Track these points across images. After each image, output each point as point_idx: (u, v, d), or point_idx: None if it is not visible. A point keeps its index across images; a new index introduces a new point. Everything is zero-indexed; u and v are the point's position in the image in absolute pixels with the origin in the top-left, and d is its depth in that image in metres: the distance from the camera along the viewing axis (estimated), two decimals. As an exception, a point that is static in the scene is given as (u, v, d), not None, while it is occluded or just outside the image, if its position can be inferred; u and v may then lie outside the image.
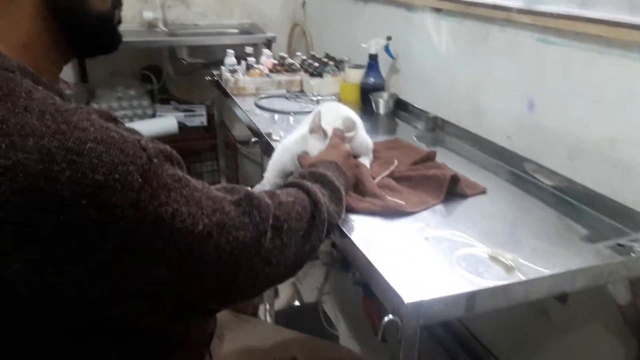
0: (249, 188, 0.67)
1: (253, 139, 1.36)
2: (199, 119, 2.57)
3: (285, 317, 1.68)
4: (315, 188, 0.78)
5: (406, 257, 0.81)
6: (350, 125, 1.13)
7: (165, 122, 2.39)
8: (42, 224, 0.47)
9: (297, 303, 2.09)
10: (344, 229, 0.86)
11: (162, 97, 2.67)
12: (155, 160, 0.53)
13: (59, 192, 0.47)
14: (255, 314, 1.16)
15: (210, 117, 2.60)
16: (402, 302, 0.65)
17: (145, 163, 0.52)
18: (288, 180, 0.81)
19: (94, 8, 0.65)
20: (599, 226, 0.94)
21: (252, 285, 0.65)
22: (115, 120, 0.57)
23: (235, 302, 0.73)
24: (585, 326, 1.11)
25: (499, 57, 1.29)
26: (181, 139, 2.47)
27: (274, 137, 1.29)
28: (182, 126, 2.49)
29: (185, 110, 2.57)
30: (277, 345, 0.93)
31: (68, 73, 2.49)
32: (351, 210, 0.94)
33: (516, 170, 1.19)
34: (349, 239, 0.84)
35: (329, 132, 1.00)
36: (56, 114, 0.50)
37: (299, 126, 1.13)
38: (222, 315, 0.94)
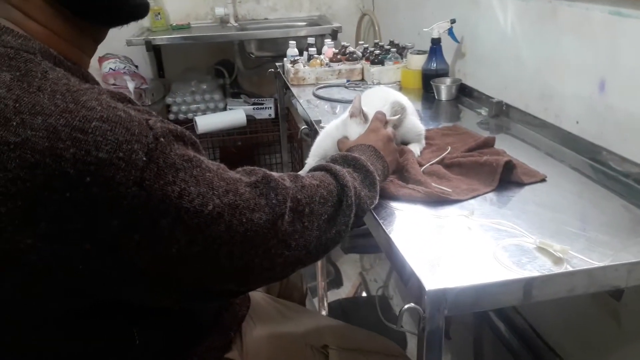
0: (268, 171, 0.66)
1: (302, 127, 1.35)
2: (267, 111, 2.61)
3: (341, 308, 1.66)
4: (345, 172, 0.75)
5: (440, 245, 0.76)
6: (399, 110, 1.09)
7: (234, 115, 2.46)
8: (49, 200, 0.49)
9: (364, 294, 2.07)
10: (374, 214, 0.82)
11: (233, 91, 2.75)
12: (162, 139, 0.54)
13: (64, 169, 0.48)
14: (302, 302, 1.15)
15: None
16: (424, 289, 0.61)
17: (151, 142, 0.52)
18: (319, 164, 0.79)
19: None
20: (676, 218, 0.83)
21: (270, 269, 0.64)
22: (129, 101, 0.58)
23: (256, 284, 0.72)
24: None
25: (567, 35, 1.18)
26: (250, 131, 2.53)
27: (322, 124, 1.27)
28: (251, 119, 2.55)
29: (254, 104, 2.62)
30: (310, 331, 0.91)
31: (146, 69, 2.63)
32: (391, 196, 0.90)
33: (584, 157, 1.09)
34: (377, 222, 0.80)
35: (371, 116, 0.96)
36: (67, 94, 0.52)
37: (345, 112, 1.11)
38: (261, 299, 0.94)
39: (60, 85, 0.52)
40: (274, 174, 0.66)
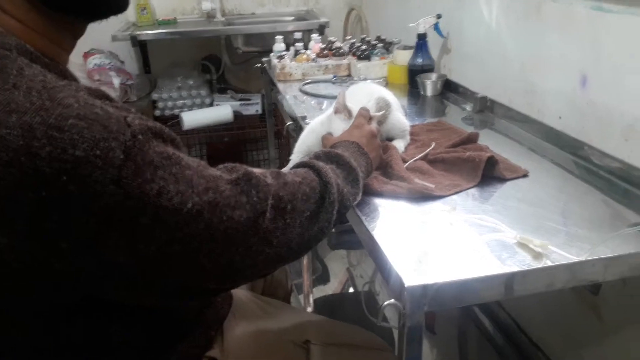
0: (250, 167, 0.66)
1: (288, 123, 1.35)
2: (254, 107, 2.60)
3: (327, 305, 1.67)
4: (328, 169, 0.75)
5: (422, 241, 0.77)
6: (383, 106, 1.09)
7: (221, 111, 2.44)
8: (24, 199, 0.48)
9: (351, 290, 2.07)
10: (357, 210, 0.82)
11: (220, 86, 2.73)
12: (141, 136, 0.53)
13: (39, 168, 0.48)
14: (287, 299, 1.15)
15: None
16: (403, 285, 0.61)
17: (128, 139, 0.52)
18: (302, 161, 0.79)
19: None
20: (654, 213, 0.84)
21: (252, 266, 0.64)
22: (107, 97, 0.57)
23: (237, 282, 0.72)
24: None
25: (551, 31, 1.18)
26: (237, 127, 2.52)
27: (308, 120, 1.26)
28: (238, 115, 2.54)
29: (241, 99, 2.61)
30: (292, 327, 0.91)
31: (132, 64, 2.61)
32: (374, 192, 0.90)
33: (566, 152, 1.10)
34: (360, 218, 0.80)
35: (355, 112, 0.96)
36: (43, 91, 0.51)
37: (330, 108, 1.11)
38: (244, 296, 0.94)
39: (36, 82, 0.52)
40: (256, 170, 0.66)
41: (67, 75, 0.61)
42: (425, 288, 0.62)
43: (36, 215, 0.49)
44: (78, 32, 0.66)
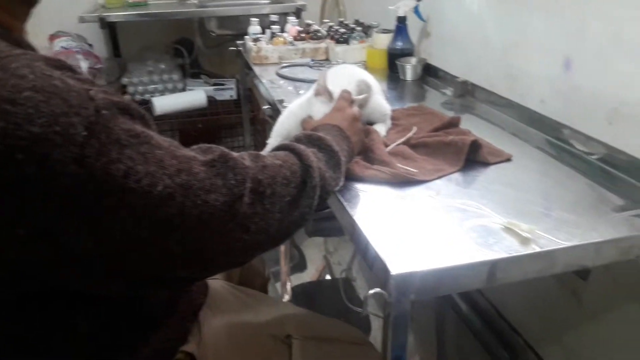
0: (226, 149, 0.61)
1: (264, 107, 1.30)
2: (228, 92, 2.53)
3: (305, 293, 1.64)
4: (309, 152, 0.71)
5: (406, 227, 0.74)
6: (364, 89, 1.05)
7: (194, 96, 2.37)
8: None
9: (328, 277, 2.05)
10: (339, 195, 0.79)
11: (193, 71, 2.65)
12: (105, 112, 0.48)
13: None
14: (264, 287, 1.12)
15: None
16: (389, 273, 0.58)
17: (91, 115, 0.47)
18: (282, 143, 0.75)
19: None
20: (639, 196, 0.83)
21: (227, 254, 0.60)
22: (69, 68, 0.52)
23: (212, 271, 0.68)
24: (622, 306, 1.00)
25: (534, 13, 1.16)
26: (211, 112, 2.45)
27: (285, 103, 1.22)
28: (211, 100, 2.47)
29: (215, 84, 2.54)
30: (272, 320, 0.88)
31: (100, 48, 2.51)
32: (356, 177, 0.87)
33: (549, 137, 1.08)
34: (342, 204, 0.77)
35: (336, 94, 0.93)
36: None
37: (309, 91, 1.07)
38: (220, 287, 0.90)
39: None
40: (233, 152, 0.62)
41: (22, 44, 0.56)
42: (411, 276, 0.59)
43: None
44: (32, 1, 0.61)
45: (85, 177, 0.46)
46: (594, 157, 0.97)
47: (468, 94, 1.37)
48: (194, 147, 0.62)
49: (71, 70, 0.52)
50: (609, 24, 0.96)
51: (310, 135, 0.77)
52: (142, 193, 0.50)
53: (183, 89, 2.50)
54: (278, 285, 1.60)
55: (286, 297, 1.56)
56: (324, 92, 0.93)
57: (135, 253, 0.52)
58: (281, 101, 1.25)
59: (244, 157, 0.63)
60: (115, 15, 2.27)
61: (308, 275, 2.00)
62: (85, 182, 0.46)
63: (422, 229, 0.73)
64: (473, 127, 1.10)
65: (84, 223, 0.48)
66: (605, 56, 0.98)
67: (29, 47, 0.57)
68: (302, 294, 1.61)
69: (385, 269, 0.59)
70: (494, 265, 0.63)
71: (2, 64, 0.46)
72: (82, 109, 0.47)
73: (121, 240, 0.50)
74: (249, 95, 2.28)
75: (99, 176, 0.47)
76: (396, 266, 0.59)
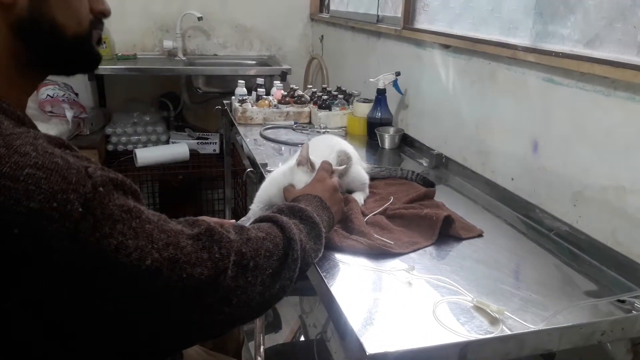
0: (211, 222, 0.64)
1: (248, 169, 1.34)
2: (212, 146, 2.58)
3: (279, 355, 1.62)
4: (292, 224, 0.74)
5: (383, 303, 0.76)
6: (344, 159, 1.10)
7: (176, 149, 2.40)
8: None
9: (302, 338, 2.02)
10: (318, 268, 0.81)
11: (177, 124, 2.70)
12: (102, 189, 0.51)
13: None
14: (238, 352, 1.11)
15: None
16: (365, 353, 0.60)
17: (89, 192, 0.50)
18: (265, 214, 0.78)
19: (70, 31, 0.62)
20: (601, 279, 0.88)
21: (209, 326, 0.61)
22: (68, 147, 0.55)
23: (192, 343, 0.68)
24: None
25: (505, 97, 1.25)
26: (193, 165, 2.48)
27: (269, 168, 1.26)
28: (194, 153, 2.50)
29: (199, 138, 2.58)
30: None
31: (86, 97, 2.54)
32: (335, 247, 0.90)
33: (518, 214, 1.13)
34: (320, 276, 0.79)
35: (317, 164, 0.97)
36: None
37: (292, 158, 1.11)
38: (194, 352, 0.90)
39: None
40: (218, 226, 0.64)
41: (25, 122, 0.58)
42: (385, 356, 0.61)
43: None
44: (42, 79, 0.65)
45: (77, 252, 0.48)
46: (560, 237, 1.02)
47: (442, 165, 1.43)
48: (181, 219, 0.64)
49: (69, 148, 0.55)
50: (572, 113, 1.04)
51: (293, 207, 0.80)
52: (131, 268, 0.51)
53: (167, 141, 2.53)
54: (252, 345, 1.58)
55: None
56: (306, 163, 0.97)
57: (120, 326, 0.53)
58: (265, 165, 1.28)
59: (229, 230, 0.65)
60: (104, 68, 2.32)
61: (282, 336, 1.97)
62: (78, 257, 0.48)
63: (397, 307, 0.76)
64: (447, 199, 1.15)
65: (74, 298, 0.49)
66: (569, 142, 1.05)
67: (30, 125, 0.59)
68: (275, 357, 1.59)
69: (361, 348, 0.61)
70: (465, 347, 0.66)
71: (6, 142, 0.48)
72: (79, 186, 0.49)
73: (110, 313, 0.51)
74: (232, 150, 2.32)
75: (90, 251, 0.49)
76: (372, 346, 0.61)
